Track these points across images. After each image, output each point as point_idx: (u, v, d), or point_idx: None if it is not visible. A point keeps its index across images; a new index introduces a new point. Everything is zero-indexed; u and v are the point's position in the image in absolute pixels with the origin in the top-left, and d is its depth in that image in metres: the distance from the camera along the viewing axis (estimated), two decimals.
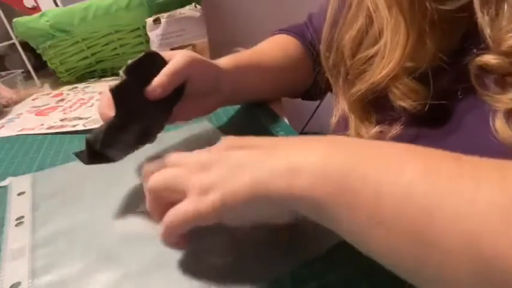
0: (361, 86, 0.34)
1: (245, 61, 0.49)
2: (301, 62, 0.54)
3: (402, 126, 0.33)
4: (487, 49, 0.26)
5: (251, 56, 0.51)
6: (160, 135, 0.39)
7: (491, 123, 0.25)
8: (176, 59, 0.39)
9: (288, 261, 0.28)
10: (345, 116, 0.37)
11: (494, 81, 0.26)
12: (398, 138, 0.33)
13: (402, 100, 0.31)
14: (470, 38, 0.28)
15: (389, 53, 0.31)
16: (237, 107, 0.56)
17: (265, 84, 0.52)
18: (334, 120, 0.40)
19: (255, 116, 0.51)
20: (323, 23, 0.52)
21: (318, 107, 1.21)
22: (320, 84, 0.54)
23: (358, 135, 0.35)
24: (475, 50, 0.27)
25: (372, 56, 0.33)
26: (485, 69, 0.26)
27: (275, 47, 0.54)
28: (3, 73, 0.91)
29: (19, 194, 0.42)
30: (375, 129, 0.34)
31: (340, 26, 0.37)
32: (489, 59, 0.26)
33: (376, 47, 0.32)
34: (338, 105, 0.39)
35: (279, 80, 0.53)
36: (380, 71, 0.31)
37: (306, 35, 0.55)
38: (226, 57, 0.48)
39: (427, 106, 0.30)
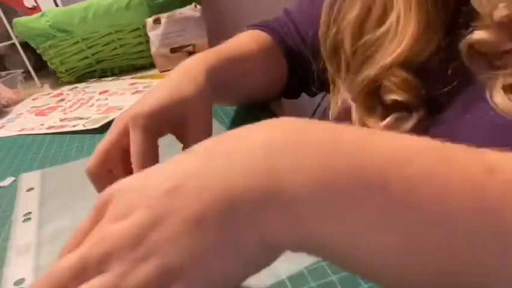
0: (370, 72, 0.31)
1: (225, 56, 0.43)
2: (274, 55, 0.50)
3: (421, 116, 0.30)
4: (477, 27, 0.25)
5: (228, 50, 0.45)
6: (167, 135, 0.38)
7: (488, 98, 0.25)
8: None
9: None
10: (346, 108, 0.35)
11: (488, 58, 0.25)
12: (413, 129, 0.30)
13: (395, 93, 0.29)
14: (460, 14, 0.27)
15: (403, 28, 0.28)
16: (236, 107, 0.56)
17: (246, 78, 0.47)
18: (332, 112, 0.38)
19: (254, 117, 0.51)
20: (303, 13, 0.50)
21: (318, 106, 1.21)
22: (304, 80, 0.51)
23: (364, 126, 0.32)
24: (470, 29, 0.26)
25: (379, 37, 0.31)
26: (477, 47, 0.26)
27: (245, 40, 0.50)
28: (3, 73, 0.92)
29: (28, 190, 0.43)
30: (389, 119, 0.31)
31: (338, 6, 0.34)
32: (481, 35, 0.25)
33: (384, 27, 0.30)
34: (337, 95, 0.37)
35: (258, 72, 0.48)
36: (391, 52, 0.29)
37: (275, 28, 0.53)
38: (197, 56, 0.41)
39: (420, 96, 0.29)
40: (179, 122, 0.35)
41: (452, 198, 0.16)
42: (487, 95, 0.25)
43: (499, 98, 0.24)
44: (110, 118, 0.59)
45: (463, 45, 0.26)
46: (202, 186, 0.17)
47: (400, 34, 0.29)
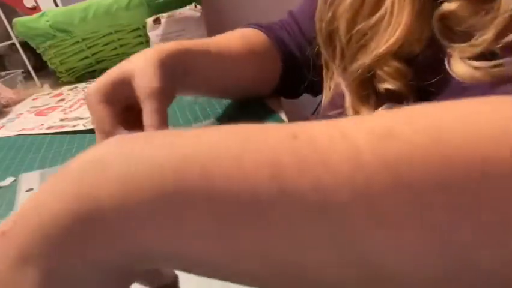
0: (364, 61, 0.31)
1: (192, 45, 0.45)
2: (265, 53, 0.51)
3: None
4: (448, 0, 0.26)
5: (202, 42, 0.47)
6: None
7: (448, 70, 0.26)
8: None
9: None
10: (340, 93, 0.35)
11: (456, 32, 0.26)
12: None
13: (388, 82, 0.30)
14: None
15: (397, 16, 0.28)
16: (236, 107, 0.56)
17: (222, 70, 0.48)
18: (325, 96, 0.38)
19: (254, 115, 0.51)
20: (305, 13, 0.51)
21: (318, 106, 1.21)
22: (299, 80, 0.51)
23: (357, 114, 0.33)
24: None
25: (374, 26, 0.30)
26: (446, 20, 0.26)
27: (233, 36, 0.51)
28: (3, 73, 0.92)
29: (27, 191, 0.43)
30: (381, 109, 0.31)
31: None
32: (450, 6, 0.25)
33: (378, 14, 0.30)
34: (330, 81, 0.37)
35: (239, 67, 0.49)
36: (385, 41, 0.29)
37: (274, 28, 0.53)
38: (164, 43, 0.44)
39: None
40: (131, 93, 0.38)
41: (247, 172, 0.15)
42: (446, 66, 0.26)
43: (457, 67, 0.25)
44: None
45: (434, 18, 0.27)
46: (26, 223, 0.17)
47: (394, 23, 0.29)
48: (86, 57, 0.87)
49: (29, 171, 0.48)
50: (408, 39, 0.28)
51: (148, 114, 0.37)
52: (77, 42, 0.84)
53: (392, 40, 0.29)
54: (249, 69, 0.50)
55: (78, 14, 0.81)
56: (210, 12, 0.97)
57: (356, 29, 0.31)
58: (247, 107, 0.54)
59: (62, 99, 0.76)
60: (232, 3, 1.17)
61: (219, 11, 1.15)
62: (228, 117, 0.53)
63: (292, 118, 0.52)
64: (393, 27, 0.29)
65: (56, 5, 0.95)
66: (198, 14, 0.83)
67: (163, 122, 0.37)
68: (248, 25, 0.54)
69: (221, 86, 0.50)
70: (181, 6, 0.83)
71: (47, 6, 0.93)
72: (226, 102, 0.58)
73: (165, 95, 0.38)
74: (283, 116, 0.51)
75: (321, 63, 0.39)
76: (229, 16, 1.16)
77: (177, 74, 0.41)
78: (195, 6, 0.83)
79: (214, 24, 1.03)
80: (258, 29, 0.52)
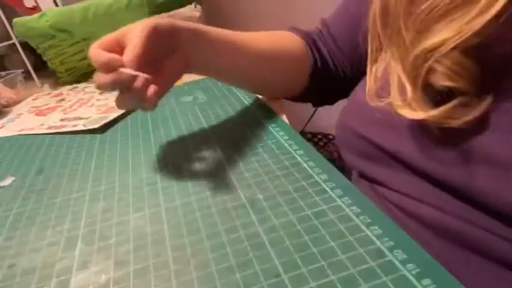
0: (443, 37, 0.24)
1: (214, 31, 0.46)
2: (296, 55, 0.51)
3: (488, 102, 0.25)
4: None
5: (224, 31, 0.47)
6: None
7: None
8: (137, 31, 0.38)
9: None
10: (386, 82, 0.31)
11: None
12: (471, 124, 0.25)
13: (451, 79, 0.25)
14: None
15: None
16: (236, 107, 0.56)
17: (240, 61, 0.47)
18: (370, 84, 0.34)
19: (254, 115, 0.51)
20: (339, 18, 0.52)
21: (316, 109, 1.21)
22: (326, 90, 0.53)
23: (415, 105, 0.27)
24: None
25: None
26: None
27: (264, 33, 0.51)
28: (3, 73, 0.91)
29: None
30: (448, 105, 0.26)
31: None
32: None
33: None
34: (375, 66, 0.33)
35: (260, 63, 0.49)
36: (479, 11, 0.22)
37: (311, 33, 0.54)
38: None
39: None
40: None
41: None
42: None
43: None
44: (110, 118, 0.59)
45: None
46: None
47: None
48: (86, 57, 0.87)
49: (29, 171, 0.48)
50: (496, 27, 0.22)
51: (129, 47, 0.37)
52: (77, 42, 0.84)
53: (478, 22, 0.22)
54: (270, 63, 0.50)
55: (78, 14, 0.81)
56: (210, 12, 0.97)
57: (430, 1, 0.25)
58: (248, 108, 0.54)
59: (62, 99, 0.76)
60: (232, 4, 1.17)
61: (219, 11, 1.15)
62: (227, 117, 0.53)
63: (293, 120, 0.52)
64: (485, 4, 0.22)
65: (56, 5, 0.95)
66: (198, 14, 0.83)
67: (141, 57, 0.37)
68: (290, 28, 0.55)
69: (238, 74, 0.50)
70: (181, 6, 0.83)
71: (47, 6, 0.93)
72: (226, 102, 0.58)
73: (154, 39, 0.38)
74: (283, 116, 0.51)
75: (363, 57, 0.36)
76: (229, 16, 1.16)
77: (172, 38, 0.42)
78: (195, 6, 0.83)
79: (214, 24, 1.03)
80: (294, 31, 0.54)
